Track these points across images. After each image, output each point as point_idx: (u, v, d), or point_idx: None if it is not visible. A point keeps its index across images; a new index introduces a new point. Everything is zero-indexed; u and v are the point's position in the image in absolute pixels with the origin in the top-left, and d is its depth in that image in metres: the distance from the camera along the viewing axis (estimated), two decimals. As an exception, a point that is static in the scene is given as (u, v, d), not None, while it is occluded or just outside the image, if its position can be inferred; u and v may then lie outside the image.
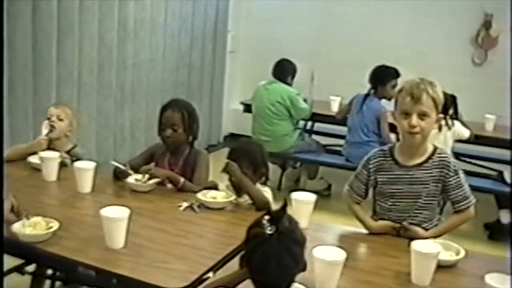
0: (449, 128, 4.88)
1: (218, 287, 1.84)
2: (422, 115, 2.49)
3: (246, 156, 2.94)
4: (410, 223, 2.62)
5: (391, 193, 2.66)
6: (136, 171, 3.08)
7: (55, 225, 2.35)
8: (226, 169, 2.87)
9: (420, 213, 2.64)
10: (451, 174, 2.59)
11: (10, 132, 4.27)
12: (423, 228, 2.64)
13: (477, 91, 6.05)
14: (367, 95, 5.13)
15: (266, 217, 1.68)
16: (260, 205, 2.76)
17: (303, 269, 1.73)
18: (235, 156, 2.95)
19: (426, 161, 2.59)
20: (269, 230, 1.66)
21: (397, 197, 2.66)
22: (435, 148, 2.63)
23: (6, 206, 2.25)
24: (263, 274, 1.67)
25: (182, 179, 3.04)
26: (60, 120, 3.40)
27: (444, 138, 4.90)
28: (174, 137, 3.16)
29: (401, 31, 6.67)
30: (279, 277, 1.67)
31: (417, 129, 2.49)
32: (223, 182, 3.03)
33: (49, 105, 3.51)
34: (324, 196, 5.43)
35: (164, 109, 3.22)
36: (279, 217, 1.68)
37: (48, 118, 3.39)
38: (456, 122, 4.91)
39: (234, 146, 3.09)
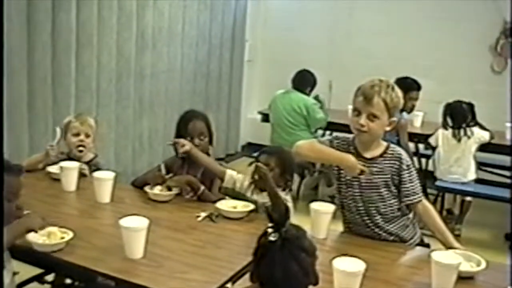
0: (469, 138, 4.87)
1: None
2: (373, 116, 2.56)
3: (279, 157, 2.98)
4: (375, 215, 2.69)
5: (351, 182, 2.70)
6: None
7: (69, 234, 2.36)
8: (256, 172, 2.85)
9: (384, 205, 2.67)
10: (404, 168, 2.62)
11: (30, 144, 4.31)
12: (389, 222, 2.69)
13: (496, 99, 5.99)
14: None
15: (270, 224, 1.66)
16: (277, 211, 2.75)
17: (316, 282, 1.69)
18: (268, 153, 3.00)
19: (380, 155, 2.65)
20: (272, 237, 1.64)
21: (356, 188, 2.69)
22: (389, 145, 2.68)
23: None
24: (270, 284, 1.64)
25: (202, 187, 3.05)
26: (88, 136, 3.42)
27: (464, 148, 4.89)
28: (202, 146, 3.16)
29: (419, 39, 6.64)
30: (287, 286, 1.63)
31: (364, 128, 2.58)
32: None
33: (70, 118, 3.50)
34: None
35: (187, 120, 3.22)
36: (281, 223, 1.66)
37: (66, 134, 3.40)
38: (474, 128, 4.91)
39: (268, 148, 3.14)
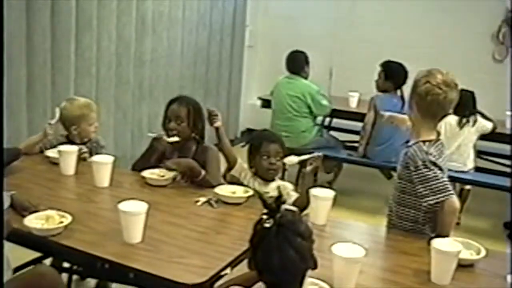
0: (472, 126, 4.84)
1: (233, 285, 1.81)
2: None
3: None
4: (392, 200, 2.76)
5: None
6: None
7: (67, 219, 2.35)
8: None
9: (401, 195, 2.70)
10: (412, 169, 2.60)
11: (29, 128, 4.28)
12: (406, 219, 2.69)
13: (497, 88, 5.96)
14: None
15: (264, 210, 1.65)
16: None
17: (314, 266, 1.67)
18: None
19: (410, 146, 2.66)
20: (267, 224, 1.62)
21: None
22: (418, 141, 2.64)
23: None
24: (268, 271, 1.62)
25: (203, 171, 3.05)
26: (90, 125, 3.43)
27: (466, 136, 4.86)
28: (178, 130, 3.16)
29: (420, 28, 6.60)
30: (285, 272, 1.61)
31: None
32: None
33: (66, 103, 3.48)
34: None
35: (171, 102, 3.25)
36: (276, 209, 1.64)
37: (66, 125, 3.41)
38: (478, 117, 4.88)
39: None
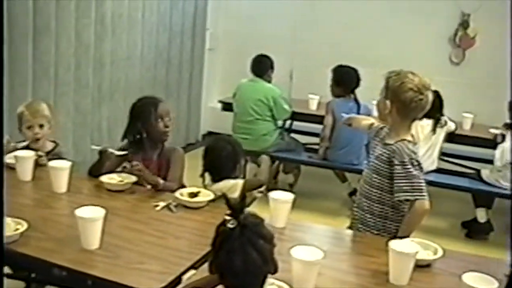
0: (441, 127, 4.91)
1: (194, 288, 1.81)
2: None
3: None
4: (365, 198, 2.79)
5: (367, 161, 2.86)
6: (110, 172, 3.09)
7: (23, 226, 2.31)
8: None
9: (374, 191, 2.73)
10: (397, 162, 2.63)
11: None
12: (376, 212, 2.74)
13: (454, 90, 6.06)
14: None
15: (227, 212, 1.65)
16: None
17: (275, 270, 1.68)
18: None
19: (392, 144, 2.68)
20: (230, 224, 1.62)
21: (366, 167, 2.85)
22: (404, 139, 2.68)
23: None
24: (230, 273, 1.62)
25: (161, 181, 3.02)
26: (42, 127, 3.31)
27: (436, 140, 4.93)
28: (170, 126, 3.20)
29: (380, 30, 6.67)
30: (247, 275, 1.61)
31: None
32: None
33: (22, 109, 3.35)
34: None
35: (155, 103, 3.23)
36: (239, 210, 1.64)
37: (21, 125, 3.32)
38: (446, 117, 4.96)
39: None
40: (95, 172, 3.13)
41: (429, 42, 6.59)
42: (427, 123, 4.82)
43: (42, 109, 3.37)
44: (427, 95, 2.63)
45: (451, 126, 5.06)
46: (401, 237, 2.46)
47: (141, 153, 3.21)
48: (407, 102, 2.62)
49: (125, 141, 3.32)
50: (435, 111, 4.62)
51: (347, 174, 5.43)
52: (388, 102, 2.67)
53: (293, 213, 2.69)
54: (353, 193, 5.09)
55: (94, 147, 3.21)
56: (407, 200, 2.63)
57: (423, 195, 2.61)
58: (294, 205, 2.66)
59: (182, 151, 3.28)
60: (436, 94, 4.42)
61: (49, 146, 3.38)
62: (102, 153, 3.10)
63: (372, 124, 2.99)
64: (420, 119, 2.89)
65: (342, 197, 5.38)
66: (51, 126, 3.39)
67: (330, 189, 5.83)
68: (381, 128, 2.85)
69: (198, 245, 2.31)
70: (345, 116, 3.47)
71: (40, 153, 3.19)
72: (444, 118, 4.95)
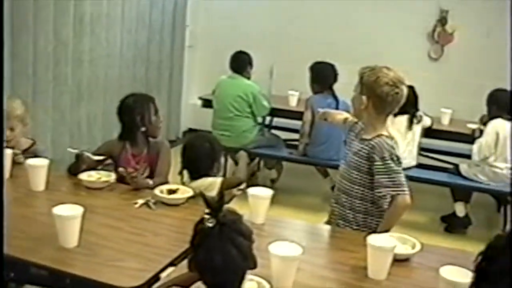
0: (417, 123, 4.94)
1: (172, 286, 1.80)
2: None
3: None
4: (345, 194, 2.80)
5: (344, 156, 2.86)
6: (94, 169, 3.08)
7: None
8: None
9: (356, 187, 2.74)
10: (377, 158, 2.65)
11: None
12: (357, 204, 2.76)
13: (433, 85, 6.12)
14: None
15: (206, 210, 1.65)
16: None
17: (254, 266, 1.68)
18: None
19: (371, 139, 2.70)
20: (209, 223, 1.62)
21: (343, 163, 2.85)
22: (381, 134, 2.70)
23: None
24: (210, 271, 1.62)
25: (151, 182, 3.03)
26: (12, 130, 3.20)
27: (413, 135, 4.96)
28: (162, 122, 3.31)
29: (359, 27, 6.70)
30: (226, 272, 1.62)
31: None
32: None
33: None
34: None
35: (152, 98, 3.30)
36: (218, 208, 1.64)
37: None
38: (421, 113, 4.99)
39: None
40: (73, 172, 3.11)
41: (408, 38, 6.63)
42: (402, 119, 4.85)
43: (13, 110, 3.21)
44: (402, 89, 2.66)
45: (427, 121, 5.10)
46: (381, 232, 2.48)
47: (129, 150, 3.22)
48: (383, 96, 2.63)
49: (104, 141, 3.30)
50: (410, 106, 4.66)
51: (328, 169, 5.45)
52: (364, 98, 2.69)
53: (274, 209, 2.70)
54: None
55: (71, 150, 3.14)
56: (385, 195, 2.65)
57: (404, 190, 2.63)
58: (275, 201, 2.68)
59: (168, 145, 3.31)
60: (411, 89, 4.49)
61: (26, 144, 3.32)
62: (78, 156, 3.06)
63: (346, 119, 3.02)
64: (395, 115, 2.91)
65: (323, 193, 5.39)
66: (26, 124, 3.30)
67: (311, 185, 5.85)
68: (356, 123, 2.87)
69: (177, 242, 2.31)
70: (320, 110, 3.48)
71: (16, 151, 3.15)
72: (419, 113, 4.99)
